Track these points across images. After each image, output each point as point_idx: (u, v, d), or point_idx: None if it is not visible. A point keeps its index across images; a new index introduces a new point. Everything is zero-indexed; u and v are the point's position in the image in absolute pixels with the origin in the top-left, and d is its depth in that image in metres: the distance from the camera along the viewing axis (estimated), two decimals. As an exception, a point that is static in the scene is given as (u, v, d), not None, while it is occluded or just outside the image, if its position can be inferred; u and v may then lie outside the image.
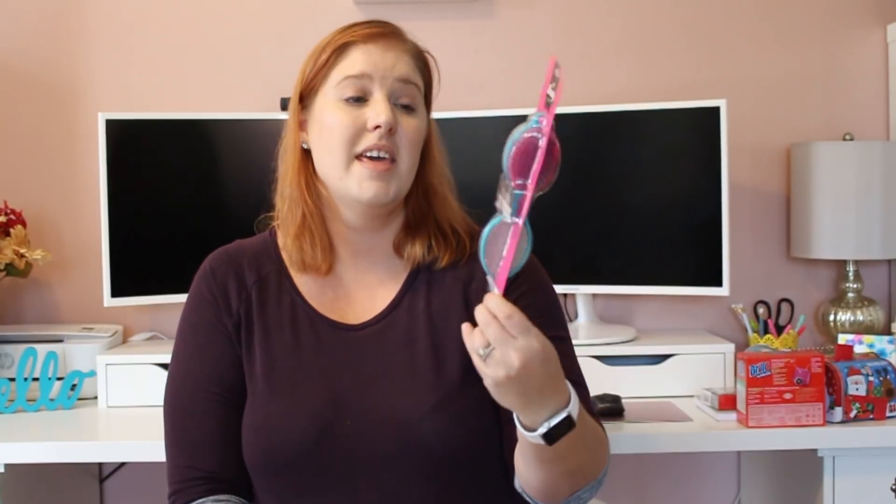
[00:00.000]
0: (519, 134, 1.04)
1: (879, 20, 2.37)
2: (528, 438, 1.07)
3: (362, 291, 1.30)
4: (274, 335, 1.27)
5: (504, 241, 1.04)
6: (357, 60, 1.24)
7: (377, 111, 1.22)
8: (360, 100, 1.24)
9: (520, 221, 1.04)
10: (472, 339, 1.03)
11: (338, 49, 1.26)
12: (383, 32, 1.26)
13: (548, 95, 1.04)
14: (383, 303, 1.29)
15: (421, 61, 1.30)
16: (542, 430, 1.05)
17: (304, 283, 1.30)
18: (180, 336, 1.32)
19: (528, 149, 1.03)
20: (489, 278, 1.06)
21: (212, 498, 1.24)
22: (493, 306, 1.03)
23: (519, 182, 1.03)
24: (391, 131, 1.22)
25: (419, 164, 1.29)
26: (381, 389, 1.23)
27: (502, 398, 1.05)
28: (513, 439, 1.15)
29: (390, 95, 1.24)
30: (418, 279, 1.29)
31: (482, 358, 1.03)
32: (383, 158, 1.22)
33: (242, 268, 1.32)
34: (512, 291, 1.04)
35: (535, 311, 1.13)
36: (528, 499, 1.22)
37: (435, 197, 1.31)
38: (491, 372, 1.03)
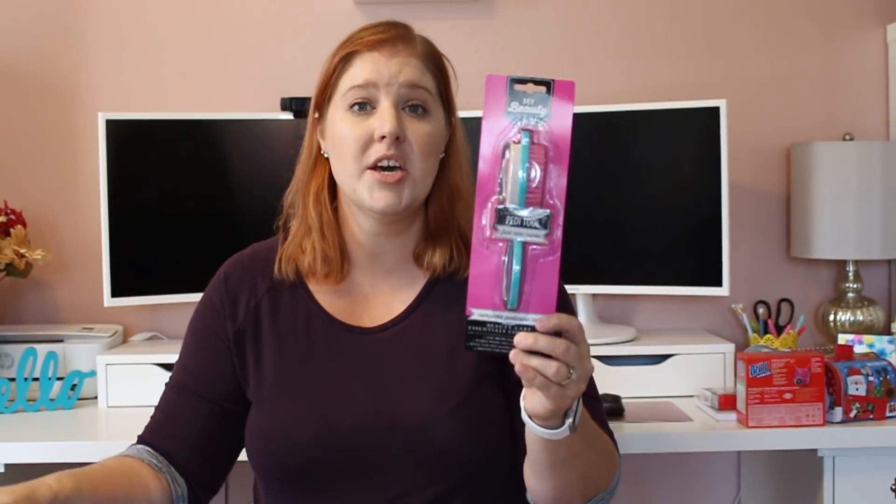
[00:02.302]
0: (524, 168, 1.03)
1: (879, 20, 2.37)
2: (551, 437, 1.06)
3: (379, 297, 1.29)
4: (287, 342, 1.27)
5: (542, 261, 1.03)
6: (362, 70, 1.22)
7: (382, 120, 1.20)
8: (366, 107, 1.22)
9: (558, 237, 1.02)
10: (556, 376, 0.99)
11: (343, 58, 1.24)
12: (388, 38, 1.23)
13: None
14: (401, 307, 1.28)
15: (431, 62, 1.26)
16: (570, 418, 1.05)
17: (319, 288, 1.30)
18: (186, 334, 1.35)
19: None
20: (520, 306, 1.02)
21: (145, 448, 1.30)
22: (557, 325, 1.00)
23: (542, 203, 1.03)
24: (398, 140, 1.20)
25: (443, 165, 1.28)
26: (394, 392, 1.22)
27: (562, 404, 1.02)
28: (525, 453, 1.15)
29: (397, 102, 1.21)
30: (437, 288, 1.28)
31: (565, 386, 1.00)
32: (394, 168, 1.20)
33: (256, 275, 1.31)
34: None
35: None
36: None
37: (459, 200, 1.28)
38: (574, 392, 1.01)
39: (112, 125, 2.08)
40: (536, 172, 1.02)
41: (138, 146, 2.12)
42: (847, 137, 2.28)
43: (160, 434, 1.31)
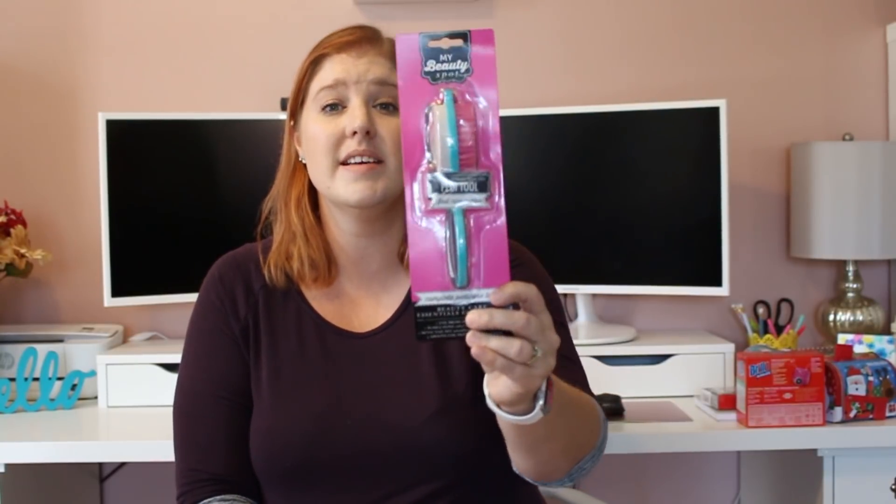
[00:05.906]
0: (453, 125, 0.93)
1: (879, 20, 2.37)
2: (523, 423, 1.00)
3: (366, 300, 1.31)
4: (280, 341, 1.28)
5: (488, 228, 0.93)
6: (331, 71, 1.25)
7: (353, 117, 1.22)
8: (338, 107, 1.24)
9: (500, 200, 0.92)
10: (520, 355, 0.90)
11: (313, 62, 1.28)
12: (355, 40, 1.26)
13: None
14: (388, 312, 1.29)
15: None
16: (540, 400, 0.98)
17: (310, 291, 1.31)
18: (189, 341, 1.33)
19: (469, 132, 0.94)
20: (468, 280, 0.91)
21: (218, 498, 1.24)
22: (513, 294, 0.90)
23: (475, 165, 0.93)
24: (369, 135, 1.22)
25: None
26: (384, 395, 1.23)
27: (531, 385, 0.95)
28: None
29: (367, 99, 1.24)
30: None
31: (532, 365, 0.91)
32: (367, 162, 1.22)
33: (250, 272, 1.32)
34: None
35: None
36: (528, 479, 1.19)
37: None
38: (542, 370, 0.93)
39: (112, 125, 2.08)
40: (466, 132, 0.92)
41: (138, 146, 2.12)
42: (847, 137, 2.28)
43: (210, 462, 1.26)
